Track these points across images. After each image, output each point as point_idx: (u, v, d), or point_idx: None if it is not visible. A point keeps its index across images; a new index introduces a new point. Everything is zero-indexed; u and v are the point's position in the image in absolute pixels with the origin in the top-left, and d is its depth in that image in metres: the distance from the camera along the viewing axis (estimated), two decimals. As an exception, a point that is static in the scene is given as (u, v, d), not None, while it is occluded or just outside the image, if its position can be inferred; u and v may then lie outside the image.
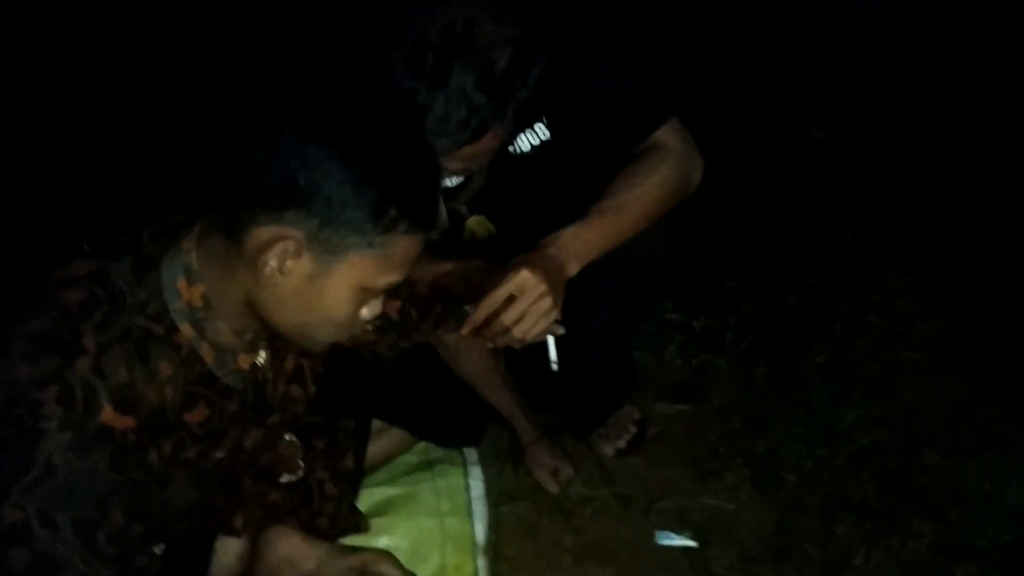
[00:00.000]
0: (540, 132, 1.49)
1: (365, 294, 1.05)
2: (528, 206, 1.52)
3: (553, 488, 1.73)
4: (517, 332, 1.29)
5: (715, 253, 2.23)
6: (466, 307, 1.32)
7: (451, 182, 1.47)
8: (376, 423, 1.65)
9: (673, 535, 1.64)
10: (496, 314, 1.29)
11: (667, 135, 1.46)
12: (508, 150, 1.45)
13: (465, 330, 1.32)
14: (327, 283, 1.01)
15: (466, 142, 1.27)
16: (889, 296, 2.19)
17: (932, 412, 1.88)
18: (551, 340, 1.47)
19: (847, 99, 2.95)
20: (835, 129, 2.88)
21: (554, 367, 1.52)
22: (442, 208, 1.04)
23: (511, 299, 1.28)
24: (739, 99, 2.84)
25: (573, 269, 1.36)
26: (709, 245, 2.22)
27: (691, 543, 1.63)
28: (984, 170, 2.57)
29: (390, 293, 1.10)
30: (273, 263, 0.99)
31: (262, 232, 0.98)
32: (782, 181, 2.59)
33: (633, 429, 1.83)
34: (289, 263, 0.99)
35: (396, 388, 1.62)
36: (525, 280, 1.27)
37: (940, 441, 1.81)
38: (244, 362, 1.14)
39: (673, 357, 2.03)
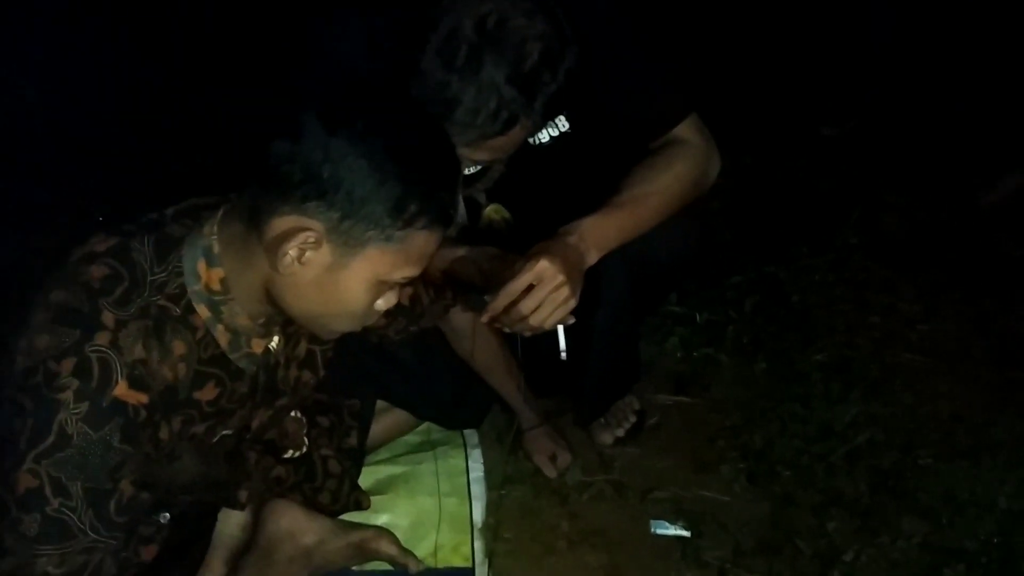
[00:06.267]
0: (560, 124, 1.51)
1: (381, 286, 1.06)
2: (545, 196, 1.53)
3: (551, 473, 1.75)
4: (534, 320, 1.31)
5: (721, 247, 2.25)
6: (485, 296, 1.33)
7: (471, 170, 1.48)
8: (380, 403, 1.67)
9: (667, 524, 1.67)
10: (514, 302, 1.31)
11: (686, 130, 1.48)
12: (528, 141, 1.47)
13: (484, 318, 1.33)
14: (344, 275, 1.03)
15: (495, 134, 1.29)
16: (892, 297, 2.20)
17: (929, 414, 1.91)
18: (561, 328, 1.49)
19: (857, 98, 2.96)
20: (845, 128, 2.89)
21: (563, 355, 1.55)
22: (461, 205, 1.05)
23: (529, 287, 1.30)
24: (750, 95, 2.85)
25: (592, 258, 1.37)
26: (716, 239, 2.23)
27: (684, 533, 1.66)
28: (992, 175, 2.57)
29: (412, 277, 1.12)
30: (292, 253, 1.00)
31: (283, 222, 0.99)
32: (790, 178, 2.59)
33: (633, 418, 1.85)
34: (308, 254, 1.01)
35: (401, 370, 1.65)
36: (545, 269, 1.29)
37: (935, 443, 1.84)
38: (257, 346, 1.16)
39: (675, 349, 2.06)
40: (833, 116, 2.92)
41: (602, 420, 1.85)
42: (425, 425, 1.77)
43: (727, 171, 1.53)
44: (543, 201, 1.54)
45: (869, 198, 2.53)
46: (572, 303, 1.31)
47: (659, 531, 1.66)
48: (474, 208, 1.61)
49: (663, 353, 2.04)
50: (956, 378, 1.99)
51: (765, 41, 3.12)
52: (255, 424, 1.28)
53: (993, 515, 1.68)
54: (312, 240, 1.00)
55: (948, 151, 2.68)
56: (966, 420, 1.89)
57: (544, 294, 1.29)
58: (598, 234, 1.37)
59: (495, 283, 1.32)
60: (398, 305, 1.39)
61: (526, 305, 1.30)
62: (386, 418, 1.69)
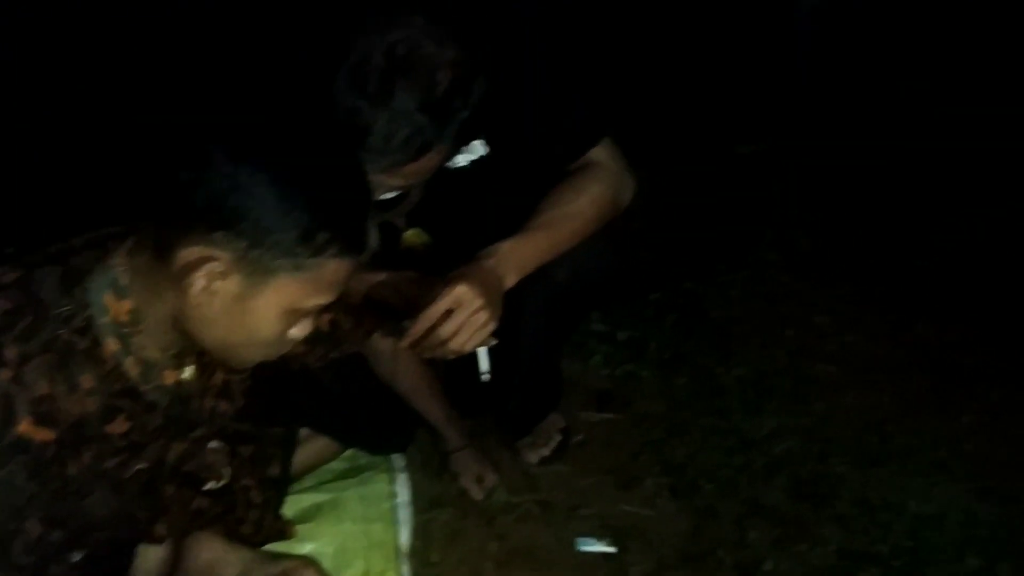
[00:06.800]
0: (478, 148, 1.53)
1: (294, 315, 1.06)
2: (465, 219, 1.55)
3: (477, 495, 1.76)
4: (454, 344, 1.32)
5: (640, 266, 2.29)
6: (404, 322, 1.34)
7: (388, 195, 1.49)
8: (303, 430, 1.66)
9: (593, 541, 1.69)
10: (434, 327, 1.31)
11: (601, 154, 1.51)
12: (446, 165, 1.48)
13: (404, 343, 1.34)
14: (255, 304, 1.02)
15: (408, 160, 1.31)
16: (806, 310, 2.27)
17: (842, 422, 1.97)
18: (484, 350, 1.51)
19: (772, 116, 3.05)
20: (760, 145, 2.97)
21: (485, 376, 1.56)
22: (373, 232, 1.06)
23: (448, 312, 1.31)
24: (666, 113, 2.91)
25: (510, 281, 1.39)
26: (635, 258, 2.27)
27: (610, 549, 1.68)
28: (899, 190, 2.67)
29: (326, 304, 1.12)
30: (200, 283, 0.99)
31: (189, 252, 0.98)
32: (707, 196, 2.65)
33: (558, 437, 1.87)
34: (216, 284, 1.00)
35: (324, 396, 1.64)
36: (463, 294, 1.30)
37: (849, 450, 1.89)
38: (169, 377, 1.14)
39: (598, 366, 2.09)
40: (748, 134, 2.99)
41: (527, 439, 1.86)
42: (350, 451, 1.75)
43: (645, 190, 1.57)
44: (463, 225, 1.55)
45: (784, 214, 2.61)
46: (492, 326, 1.33)
47: (585, 548, 1.68)
48: (394, 233, 1.62)
49: (586, 370, 2.07)
50: (868, 387, 2.05)
51: (680, 59, 3.20)
52: (171, 456, 1.26)
53: (904, 519, 1.74)
54: (219, 270, 0.99)
55: (859, 167, 2.78)
56: (877, 427, 1.95)
57: (463, 318, 1.30)
58: (516, 257, 1.39)
59: (415, 308, 1.33)
60: (316, 332, 1.39)
61: (445, 330, 1.31)
62: (310, 446, 1.68)
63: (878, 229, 2.54)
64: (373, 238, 1.06)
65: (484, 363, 1.57)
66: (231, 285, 1.00)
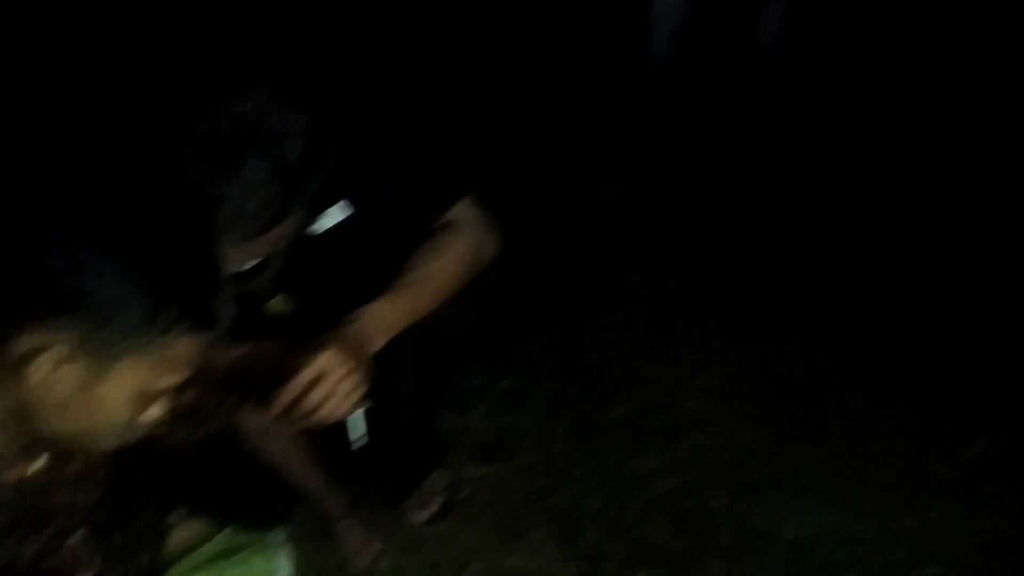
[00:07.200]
0: (340, 211, 1.52)
1: (146, 397, 1.02)
2: (331, 284, 1.54)
3: (363, 562, 1.73)
4: (323, 414, 1.30)
5: (512, 316, 2.32)
6: (270, 395, 1.31)
7: (247, 266, 1.47)
8: (175, 512, 1.59)
9: (483, 598, 1.68)
10: (301, 397, 1.29)
11: (462, 210, 1.53)
12: (308, 230, 1.47)
13: (269, 416, 1.31)
14: (102, 390, 0.97)
15: (262, 231, 1.29)
16: (677, 348, 2.34)
17: (718, 455, 2.02)
18: (358, 414, 1.49)
19: (639, 159, 3.16)
20: (627, 189, 3.06)
21: (362, 442, 1.54)
22: (225, 305, 1.04)
23: (316, 380, 1.28)
24: (533, 159, 2.98)
25: (377, 344, 1.38)
26: (505, 310, 2.30)
27: (501, 604, 1.67)
28: (758, 228, 2.80)
29: (181, 383, 1.08)
30: (41, 372, 0.95)
31: (28, 340, 0.94)
32: (577, 240, 2.72)
33: (442, 495, 1.86)
34: (59, 371, 0.95)
35: (194, 475, 1.58)
36: (328, 361, 1.28)
37: (726, 482, 1.95)
38: (15, 474, 1.08)
39: (479, 419, 2.09)
40: (615, 178, 3.09)
41: (412, 500, 1.84)
42: (227, 530, 1.70)
43: (514, 238, 1.59)
44: (329, 289, 1.54)
45: (652, 256, 2.69)
46: (361, 391, 1.32)
47: (475, 606, 1.67)
48: (258, 302, 1.59)
49: (468, 424, 2.07)
50: (738, 418, 2.12)
51: (546, 105, 3.29)
52: (27, 554, 1.19)
53: (781, 546, 1.80)
54: (61, 357, 0.95)
55: (720, 205, 2.90)
56: (750, 457, 2.02)
57: (330, 386, 1.29)
58: (382, 320, 1.39)
59: (280, 379, 1.31)
60: (176, 411, 1.35)
61: (314, 397, 1.29)
62: (183, 528, 1.62)
63: (742, 266, 2.65)
64: (226, 312, 1.04)
65: (360, 428, 1.55)
66: (75, 372, 0.96)
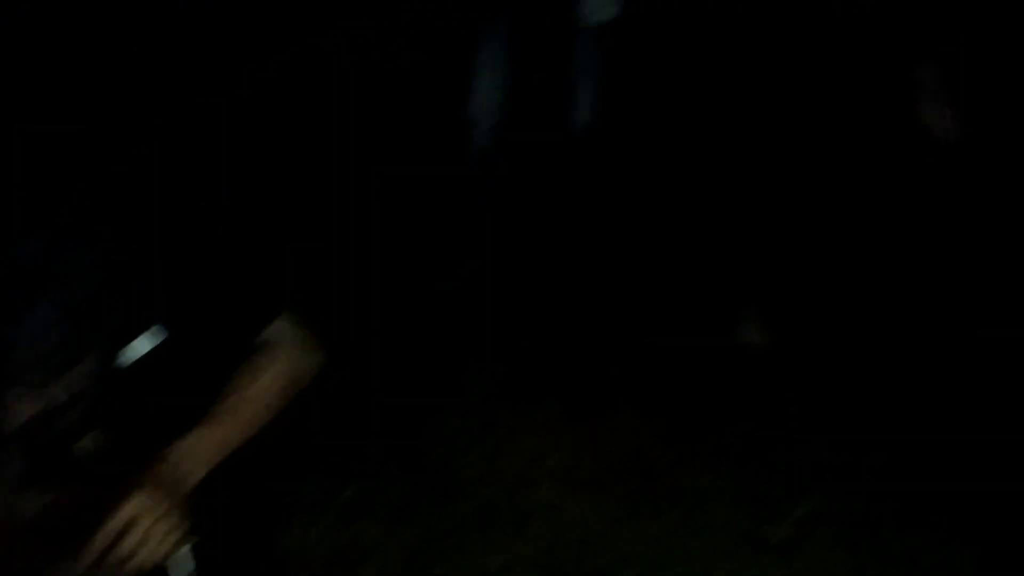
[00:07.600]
0: (152, 338, 1.46)
1: None
2: (146, 415, 1.47)
3: None
4: (139, 560, 1.22)
5: (352, 421, 2.29)
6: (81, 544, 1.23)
7: (55, 405, 1.39)
8: None
9: None
10: (113, 545, 1.21)
11: (281, 327, 1.50)
12: (118, 364, 1.41)
13: (81, 569, 1.23)
14: None
15: (60, 372, 1.23)
16: (517, 435, 2.35)
17: (566, 542, 2.04)
18: (183, 553, 1.41)
19: (470, 250, 3.20)
20: (460, 280, 3.08)
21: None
22: (10, 459, 0.98)
23: (130, 523, 1.21)
24: (365, 256, 2.97)
25: (195, 478, 1.32)
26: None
27: None
28: (584, 306, 2.88)
29: None
30: None
31: None
32: (413, 334, 2.71)
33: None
34: None
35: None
36: (141, 503, 1.22)
37: (576, 570, 1.96)
38: None
39: (321, 533, 2.02)
40: (447, 270, 3.11)
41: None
42: None
43: (342, 343, 1.57)
44: (146, 421, 1.47)
45: (485, 346, 2.71)
46: (180, 532, 1.25)
47: None
48: (69, 441, 1.50)
49: (307, 540, 2.00)
50: (584, 501, 2.15)
51: (372, 200, 3.29)
52: None
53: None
54: None
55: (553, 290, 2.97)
56: (599, 539, 2.04)
57: (146, 527, 1.22)
58: (199, 451, 1.33)
59: (91, 525, 1.23)
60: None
61: (129, 543, 1.21)
62: None
63: (572, 345, 2.71)
64: (11, 467, 0.97)
65: (187, 566, 1.47)
66: None
